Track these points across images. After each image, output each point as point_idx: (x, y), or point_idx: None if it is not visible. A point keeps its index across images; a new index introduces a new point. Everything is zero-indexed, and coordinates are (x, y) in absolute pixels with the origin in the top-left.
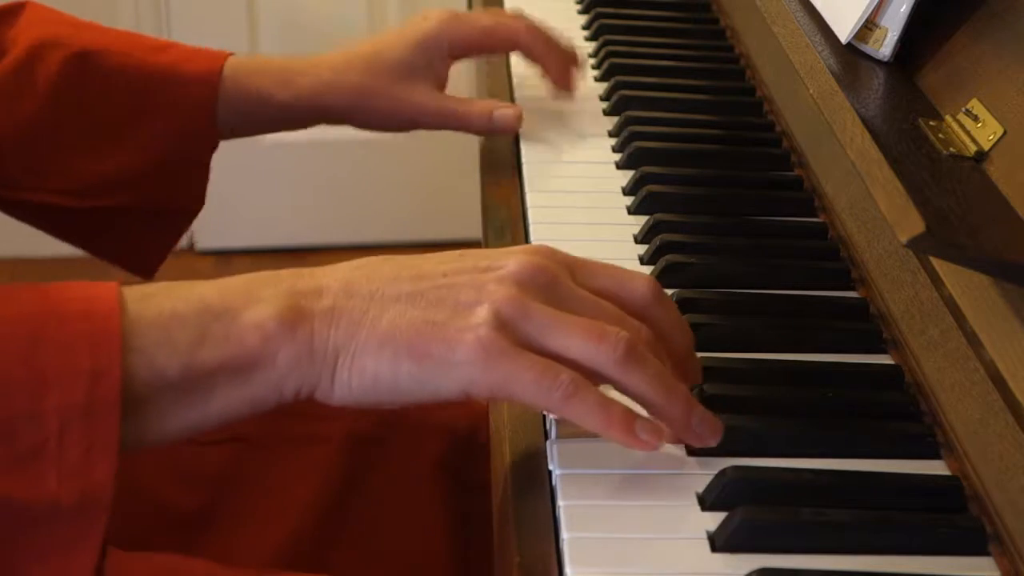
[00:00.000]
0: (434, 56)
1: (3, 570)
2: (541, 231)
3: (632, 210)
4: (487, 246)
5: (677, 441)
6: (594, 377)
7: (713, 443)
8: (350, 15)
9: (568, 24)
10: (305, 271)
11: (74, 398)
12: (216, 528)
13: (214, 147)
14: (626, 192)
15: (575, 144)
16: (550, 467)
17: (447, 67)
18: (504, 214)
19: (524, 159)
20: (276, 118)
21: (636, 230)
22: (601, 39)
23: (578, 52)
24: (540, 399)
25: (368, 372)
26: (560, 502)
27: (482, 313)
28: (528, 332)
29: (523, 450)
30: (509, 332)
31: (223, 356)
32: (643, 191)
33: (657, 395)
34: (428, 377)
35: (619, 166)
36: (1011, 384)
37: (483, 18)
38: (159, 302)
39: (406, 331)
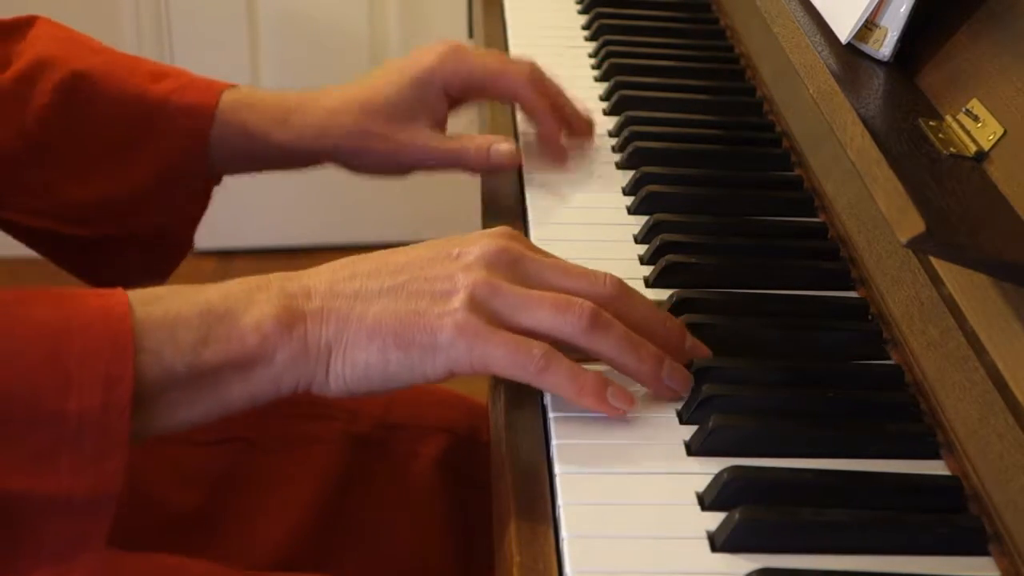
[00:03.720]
0: (429, 93)
1: (14, 565)
2: (541, 231)
3: (632, 210)
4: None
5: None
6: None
7: (685, 394)
8: (350, 15)
9: (568, 24)
10: (292, 274)
11: (92, 401)
12: (216, 528)
13: (203, 181)
14: (626, 192)
15: (575, 144)
16: (550, 467)
17: (445, 105)
18: (504, 214)
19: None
20: (274, 157)
21: (636, 230)
22: (601, 39)
23: (590, 121)
24: (516, 373)
25: (360, 363)
26: (560, 502)
27: (458, 298)
28: (500, 310)
29: (523, 450)
30: (483, 312)
31: (226, 355)
32: (643, 191)
33: (625, 356)
34: (415, 362)
35: (619, 166)
36: (1011, 384)
37: (486, 59)
38: (165, 305)
39: (391, 323)
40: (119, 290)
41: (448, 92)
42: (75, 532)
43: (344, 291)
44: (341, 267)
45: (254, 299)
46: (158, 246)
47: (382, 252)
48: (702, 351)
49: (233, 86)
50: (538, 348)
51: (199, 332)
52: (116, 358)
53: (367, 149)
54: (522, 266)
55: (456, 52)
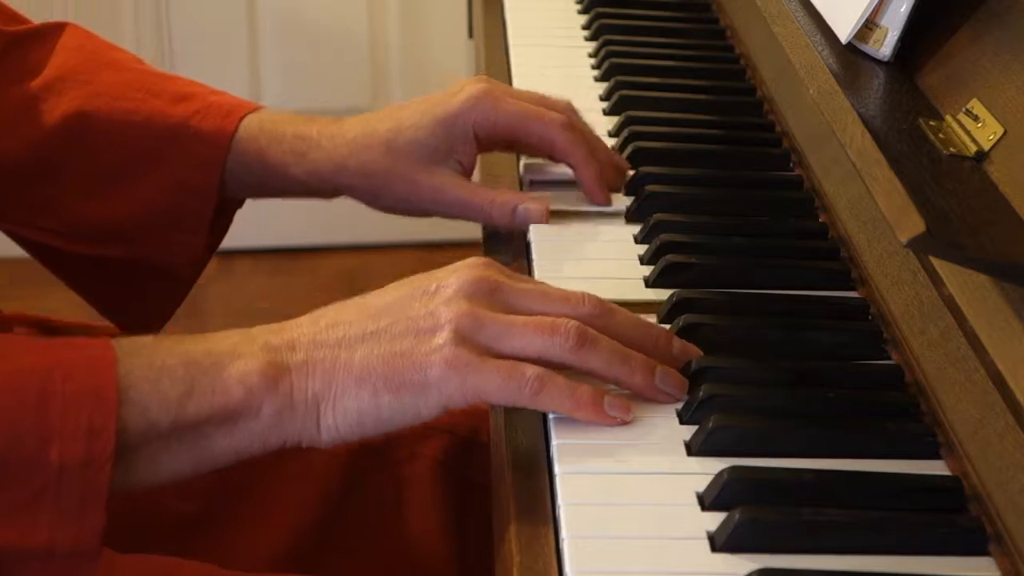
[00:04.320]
0: (456, 139)
1: None
2: (540, 232)
3: (632, 210)
4: (485, 246)
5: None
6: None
7: (681, 396)
8: (350, 15)
9: (568, 24)
10: (274, 326)
11: (74, 452)
12: (215, 530)
13: (216, 209)
14: (626, 192)
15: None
16: (550, 467)
17: (473, 150)
18: None
19: (523, 160)
20: (291, 189)
21: (636, 230)
22: (601, 39)
23: (623, 162)
24: (511, 398)
25: (351, 411)
26: (560, 502)
27: (443, 334)
28: (486, 340)
29: (523, 450)
30: (470, 344)
31: (210, 408)
32: (643, 191)
33: (616, 371)
34: (408, 403)
35: None
36: (1011, 384)
37: (519, 103)
38: (149, 355)
39: (379, 366)
40: (105, 339)
41: (477, 136)
42: None
43: (327, 340)
44: (323, 315)
45: (239, 352)
46: (165, 275)
47: (362, 297)
48: (692, 352)
49: (256, 109)
50: (531, 371)
51: (184, 384)
52: (99, 408)
53: (385, 188)
54: (502, 294)
55: (489, 96)
